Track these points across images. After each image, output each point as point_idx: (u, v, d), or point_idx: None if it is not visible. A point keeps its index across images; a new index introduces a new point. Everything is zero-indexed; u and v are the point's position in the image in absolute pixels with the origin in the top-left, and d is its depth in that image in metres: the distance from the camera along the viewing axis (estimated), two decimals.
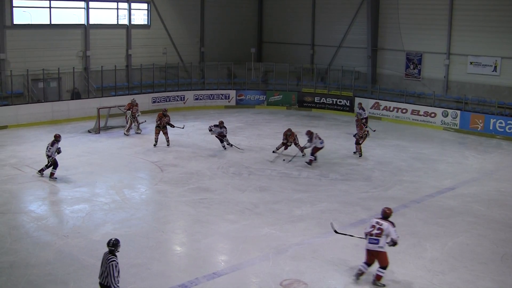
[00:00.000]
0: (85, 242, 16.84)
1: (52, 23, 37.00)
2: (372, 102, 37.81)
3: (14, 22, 35.18)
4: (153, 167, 25.07)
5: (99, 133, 31.29)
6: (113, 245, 12.21)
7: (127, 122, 31.46)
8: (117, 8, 40.24)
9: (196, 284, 14.29)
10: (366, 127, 29.81)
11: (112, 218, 18.84)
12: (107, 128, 32.25)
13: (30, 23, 36.23)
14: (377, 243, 14.26)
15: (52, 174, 23.08)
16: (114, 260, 11.99)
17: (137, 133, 31.30)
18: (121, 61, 40.28)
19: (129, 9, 40.62)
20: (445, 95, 37.10)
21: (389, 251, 16.32)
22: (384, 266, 14.36)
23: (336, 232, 15.70)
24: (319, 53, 44.87)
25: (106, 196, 21.06)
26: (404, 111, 36.23)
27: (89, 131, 31.80)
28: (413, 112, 35.94)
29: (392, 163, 26.42)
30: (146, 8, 41.79)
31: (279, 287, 14.16)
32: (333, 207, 20.11)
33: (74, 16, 38.34)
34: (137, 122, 31.45)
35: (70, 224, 18.28)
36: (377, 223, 14.42)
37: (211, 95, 40.93)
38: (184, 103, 39.92)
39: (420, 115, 35.59)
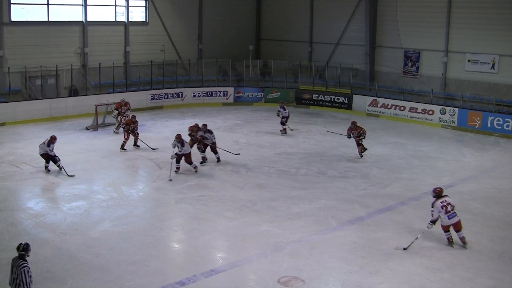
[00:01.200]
0: (83, 239, 16.84)
1: (50, 20, 36.98)
2: (370, 99, 37.80)
3: (12, 19, 35.14)
4: (151, 164, 25.06)
5: (97, 130, 31.28)
6: (23, 249, 11.80)
7: (116, 120, 31.33)
8: (115, 5, 40.23)
9: (194, 281, 14.28)
10: (285, 126, 31.58)
11: (110, 215, 18.83)
12: (105, 125, 32.21)
13: (28, 20, 36.21)
14: (456, 215, 16.57)
15: (46, 167, 23.53)
16: (26, 266, 11.63)
17: (114, 132, 31.11)
18: (119, 58, 40.26)
19: (127, 6, 40.60)
20: (443, 93, 37.13)
21: (387, 249, 16.40)
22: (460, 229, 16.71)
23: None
24: (317, 50, 44.87)
25: (104, 193, 21.05)
26: (402, 108, 36.22)
27: (87, 128, 31.79)
28: (411, 109, 35.92)
29: (390, 161, 26.43)
30: (144, 5, 41.79)
31: (277, 284, 14.16)
32: (331, 204, 20.12)
33: (72, 13, 38.32)
34: (120, 122, 31.02)
35: (68, 221, 18.26)
36: (445, 201, 16.55)
37: (209, 92, 40.91)
38: (182, 100, 39.89)
39: (418, 113, 35.58)
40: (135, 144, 27.48)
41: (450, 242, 16.85)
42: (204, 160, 25.08)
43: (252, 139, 29.99)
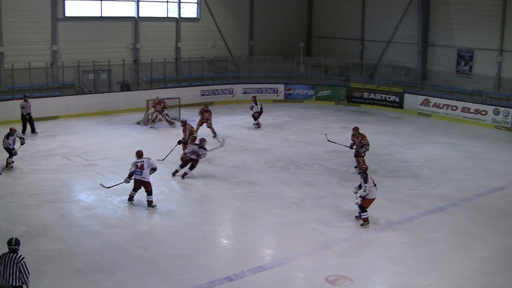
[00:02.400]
0: (133, 232, 16.99)
1: (103, 15, 37.48)
2: (421, 98, 37.33)
3: (66, 15, 35.70)
4: (201, 160, 25.13)
5: (148, 124, 31.51)
6: (16, 243, 11.75)
7: (151, 116, 31.57)
8: (167, 1, 40.55)
9: (241, 277, 14.30)
10: (257, 121, 31.73)
11: (159, 209, 18.97)
12: (155, 120, 32.44)
13: (81, 15, 36.70)
14: None
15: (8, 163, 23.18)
16: (24, 258, 11.65)
17: (151, 127, 31.35)
18: (170, 53, 40.54)
19: (179, 2, 40.86)
20: (496, 93, 36.42)
21: (437, 250, 16.18)
22: None
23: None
24: (369, 48, 44.50)
25: (154, 188, 21.13)
26: (454, 108, 35.69)
27: (138, 123, 32.08)
28: (463, 109, 35.35)
29: (441, 161, 26.06)
30: (196, 1, 41.99)
31: (324, 283, 14.08)
32: (380, 204, 19.85)
33: (124, 8, 38.74)
34: (156, 118, 31.42)
35: (118, 214, 18.46)
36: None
37: (260, 89, 40.90)
38: (233, 96, 39.98)
39: (471, 113, 34.99)
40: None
41: (366, 222, 17.77)
42: (176, 172, 22.86)
43: (301, 137, 29.90)
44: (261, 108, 31.98)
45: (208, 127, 29.26)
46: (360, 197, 17.71)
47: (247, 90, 40.50)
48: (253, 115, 31.92)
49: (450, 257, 15.84)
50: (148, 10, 39.66)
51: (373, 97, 39.56)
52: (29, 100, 29.27)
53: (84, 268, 14.52)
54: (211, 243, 16.74)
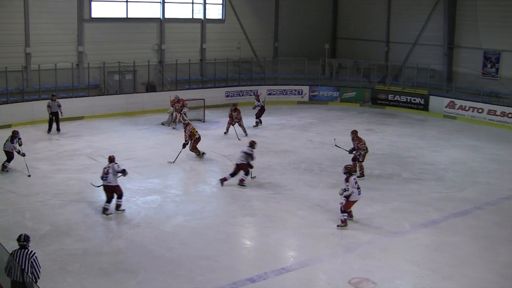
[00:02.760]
0: (156, 232, 17.05)
1: (128, 16, 37.68)
2: (447, 101, 37.04)
3: (92, 16, 35.97)
4: (224, 161, 25.19)
5: (171, 125, 31.57)
6: (25, 239, 11.83)
7: (171, 117, 31.66)
8: (192, 3, 40.65)
9: (264, 279, 14.29)
10: (257, 119, 32.21)
11: (183, 210, 19.04)
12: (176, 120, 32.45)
13: (107, 16, 36.91)
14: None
15: (5, 167, 22.77)
16: (35, 253, 11.73)
17: (173, 128, 31.40)
18: (195, 55, 40.66)
19: (204, 4, 40.95)
20: None
21: (461, 254, 16.05)
22: None
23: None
24: (394, 50, 44.28)
25: (177, 188, 21.31)
26: (480, 110, 35.36)
27: (162, 124, 32.18)
28: (489, 112, 35.01)
29: (466, 164, 25.84)
30: (221, 2, 42.05)
31: (347, 285, 14.04)
32: (404, 206, 19.82)
33: (150, 10, 38.91)
34: (176, 118, 31.46)
35: (142, 215, 18.54)
36: (356, 178, 17.92)
37: (284, 90, 40.91)
38: (256, 98, 39.97)
39: (497, 115, 34.65)
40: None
41: (343, 223, 17.70)
42: (225, 180, 21.83)
43: (326, 138, 29.82)
44: (262, 105, 32.44)
45: (239, 125, 29.90)
46: (344, 196, 17.70)
47: (272, 91, 40.54)
48: (256, 114, 32.38)
49: (474, 261, 15.70)
50: (173, 11, 39.79)
51: (398, 99, 39.34)
52: (57, 99, 29.56)
53: (108, 268, 14.60)
54: (234, 244, 16.76)
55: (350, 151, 23.30)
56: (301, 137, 30.06)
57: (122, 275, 14.23)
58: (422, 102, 38.29)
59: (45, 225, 17.34)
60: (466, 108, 36.00)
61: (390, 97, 39.66)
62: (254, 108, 32.62)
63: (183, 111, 31.11)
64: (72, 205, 19.15)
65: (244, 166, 21.59)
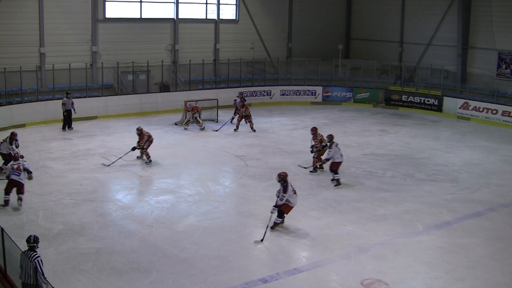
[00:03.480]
0: (169, 232, 17.08)
1: (142, 17, 37.80)
2: (461, 102, 36.87)
3: (106, 16, 36.12)
4: (237, 161, 25.20)
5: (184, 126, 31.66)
6: (34, 241, 11.73)
7: (185, 118, 31.76)
8: (206, 3, 40.77)
9: (276, 279, 14.29)
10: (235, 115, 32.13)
11: (196, 210, 19.06)
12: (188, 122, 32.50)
13: (121, 17, 37.04)
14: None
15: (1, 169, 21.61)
16: (38, 256, 11.54)
17: (185, 128, 31.41)
18: (209, 55, 40.73)
19: (218, 4, 41.03)
20: None
21: (474, 256, 15.96)
22: None
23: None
24: (408, 50, 44.15)
25: (190, 188, 21.30)
26: (494, 112, 35.19)
27: (175, 124, 32.24)
28: (504, 113, 34.81)
29: (480, 165, 25.71)
30: (235, 3, 42.10)
31: (359, 286, 14.01)
32: (417, 208, 19.75)
33: (164, 10, 39.01)
34: (199, 120, 31.54)
35: (155, 214, 18.58)
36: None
37: (298, 91, 40.91)
38: (271, 98, 39.99)
39: (511, 117, 34.48)
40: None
41: (275, 225, 17.51)
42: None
43: (339, 139, 29.54)
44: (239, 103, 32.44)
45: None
46: (275, 206, 17.43)
47: (285, 92, 40.56)
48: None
49: (487, 263, 15.61)
50: (187, 12, 39.88)
51: (412, 100, 39.22)
52: (71, 98, 29.82)
53: (120, 267, 14.64)
54: (247, 245, 16.73)
55: (312, 150, 23.84)
56: None
57: (135, 274, 14.27)
58: (436, 103, 38.16)
59: (58, 224, 17.41)
60: (480, 109, 35.83)
61: (403, 98, 39.55)
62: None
63: (195, 115, 31.20)
64: (85, 205, 19.23)
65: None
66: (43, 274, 11.22)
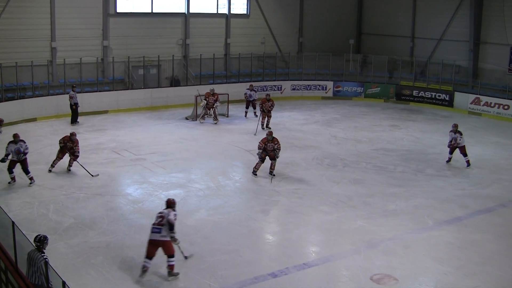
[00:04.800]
0: (179, 227, 16.91)
1: (153, 11, 37.84)
2: (472, 97, 36.72)
3: (118, 11, 36.18)
4: (248, 156, 25.20)
5: (196, 120, 31.66)
6: (40, 241, 11.25)
7: (203, 110, 31.69)
8: None
9: (286, 274, 14.30)
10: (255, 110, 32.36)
11: (206, 205, 19.08)
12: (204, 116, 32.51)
13: (132, 11, 37.10)
14: (160, 232, 13.78)
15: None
16: (46, 258, 10.93)
17: (201, 122, 31.42)
18: (219, 49, 40.72)
19: None
20: None
21: (485, 251, 15.92)
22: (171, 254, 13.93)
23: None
24: (419, 45, 43.95)
25: (201, 183, 21.33)
26: (506, 107, 35.01)
27: (186, 118, 32.27)
28: None
29: (492, 161, 25.61)
30: None
31: (369, 282, 14.00)
32: (428, 203, 19.70)
33: (175, 5, 39.06)
34: (214, 113, 31.47)
35: None
36: (159, 212, 14.12)
37: (309, 85, 40.86)
38: (281, 93, 39.97)
39: None
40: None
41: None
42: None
43: (350, 134, 29.74)
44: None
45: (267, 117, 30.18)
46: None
47: (296, 86, 40.55)
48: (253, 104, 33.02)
49: (498, 259, 15.56)
50: (198, 6, 39.86)
51: (423, 95, 39.09)
52: (76, 91, 30.13)
53: (131, 261, 14.67)
54: (257, 239, 16.79)
55: (260, 155, 22.22)
56: (325, 132, 30.00)
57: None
58: (447, 98, 38.02)
59: (69, 218, 17.47)
60: (492, 105, 35.66)
61: (414, 93, 39.43)
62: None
63: (215, 105, 31.19)
64: (96, 199, 19.30)
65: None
66: (48, 277, 10.87)
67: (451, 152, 24.82)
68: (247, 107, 32.78)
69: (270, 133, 22.37)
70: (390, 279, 14.12)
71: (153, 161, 23.90)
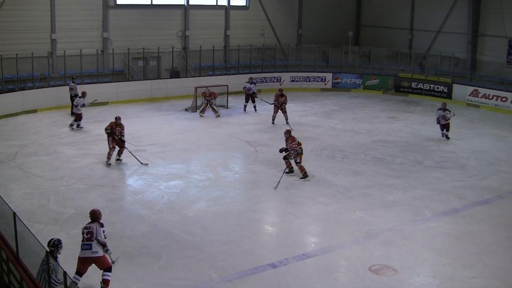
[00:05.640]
0: (179, 217, 17.21)
1: (153, 3, 37.86)
2: (470, 89, 36.72)
3: (117, 2, 36.21)
4: (247, 147, 25.31)
5: (195, 111, 31.74)
6: (54, 245, 11.18)
7: (195, 104, 31.78)
8: None
9: (285, 264, 14.41)
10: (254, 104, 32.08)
11: (205, 195, 19.18)
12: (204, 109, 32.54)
13: (132, 3, 37.11)
14: (90, 248, 12.70)
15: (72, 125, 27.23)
16: (46, 264, 10.58)
17: (200, 116, 31.36)
18: (219, 41, 40.76)
19: None
20: None
21: (483, 242, 16.03)
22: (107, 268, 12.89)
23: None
24: (418, 37, 43.93)
25: (200, 174, 21.43)
26: (504, 99, 35.04)
27: (186, 110, 32.35)
28: None
29: (489, 152, 25.68)
30: None
31: (368, 272, 14.10)
32: (426, 195, 19.79)
33: None
34: (213, 108, 31.47)
35: (165, 200, 18.73)
36: (85, 228, 12.87)
37: (308, 77, 40.91)
38: (281, 84, 39.91)
39: None
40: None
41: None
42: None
43: (348, 126, 29.82)
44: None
45: (283, 112, 29.82)
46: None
47: (295, 78, 40.60)
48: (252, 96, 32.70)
49: (496, 249, 15.67)
50: None
51: (422, 87, 39.13)
52: (76, 82, 30.20)
53: (131, 252, 14.79)
54: (256, 230, 16.89)
55: (281, 150, 21.55)
56: (323, 124, 30.08)
57: (145, 259, 14.41)
58: (445, 90, 38.07)
59: (70, 209, 17.59)
60: (490, 97, 35.72)
61: (413, 85, 39.46)
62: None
63: (213, 102, 31.26)
64: (96, 189, 19.41)
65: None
66: (50, 283, 10.62)
67: (442, 129, 27.53)
68: (246, 101, 32.71)
69: (287, 132, 21.71)
70: (388, 270, 14.23)
71: (153, 152, 24.00)
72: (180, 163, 22.80)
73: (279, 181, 20.02)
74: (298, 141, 21.39)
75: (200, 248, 15.16)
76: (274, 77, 40.04)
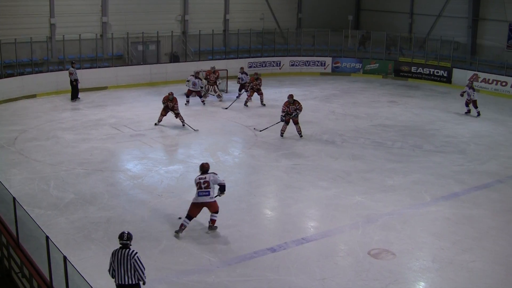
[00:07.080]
0: (179, 202, 17.22)
1: None
2: (470, 73, 36.60)
3: None
4: (247, 131, 25.31)
5: (207, 96, 31.63)
6: (128, 238, 10.96)
7: (204, 88, 31.69)
8: None
9: (284, 248, 14.44)
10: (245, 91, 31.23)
11: None
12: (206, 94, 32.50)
13: None
14: (209, 195, 14.97)
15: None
16: (137, 253, 10.77)
17: (219, 101, 31.38)
18: (218, 25, 40.64)
19: None
20: None
21: (482, 227, 16.05)
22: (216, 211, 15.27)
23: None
24: (418, 22, 43.78)
25: (200, 158, 21.35)
26: (504, 84, 35.00)
27: (185, 94, 32.25)
28: None
29: (489, 137, 25.69)
30: None
31: (367, 256, 14.13)
32: (425, 179, 19.81)
33: None
34: (217, 90, 31.53)
35: (165, 184, 18.76)
36: (200, 178, 15.00)
37: (307, 61, 40.85)
38: (280, 68, 39.98)
39: None
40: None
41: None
42: None
43: (348, 110, 29.81)
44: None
45: (258, 94, 30.20)
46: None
47: (295, 62, 40.55)
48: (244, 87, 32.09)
49: (495, 234, 15.69)
50: None
51: (421, 71, 39.08)
52: (76, 67, 30.13)
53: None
54: (256, 214, 16.91)
55: (282, 118, 24.37)
56: (323, 108, 30.07)
57: (145, 243, 14.42)
58: (445, 75, 38.01)
59: (70, 194, 17.61)
60: (490, 81, 35.67)
61: (413, 69, 39.41)
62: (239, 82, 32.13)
63: (217, 82, 31.25)
64: (96, 174, 19.41)
65: None
66: (143, 273, 10.70)
67: (467, 105, 29.45)
68: (240, 90, 32.53)
69: (291, 96, 24.41)
70: (387, 254, 14.26)
71: (152, 136, 24.01)
72: (180, 147, 22.85)
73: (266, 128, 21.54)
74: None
75: (200, 232, 15.19)
76: (273, 61, 39.99)
